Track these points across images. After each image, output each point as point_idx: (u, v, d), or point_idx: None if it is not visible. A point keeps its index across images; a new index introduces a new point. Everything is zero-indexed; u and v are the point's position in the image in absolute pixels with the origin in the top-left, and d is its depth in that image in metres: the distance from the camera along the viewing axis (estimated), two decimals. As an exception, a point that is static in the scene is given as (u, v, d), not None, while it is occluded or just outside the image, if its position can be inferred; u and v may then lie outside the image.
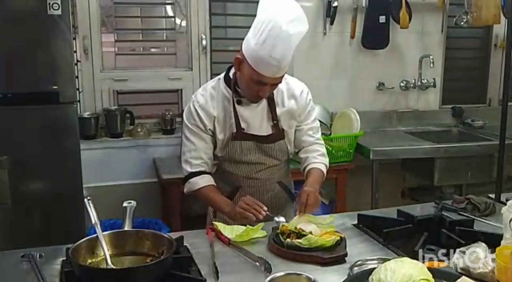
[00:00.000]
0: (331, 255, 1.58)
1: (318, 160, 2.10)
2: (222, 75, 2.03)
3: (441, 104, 4.18)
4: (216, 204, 2.01)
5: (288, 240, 1.64)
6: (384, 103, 4.01)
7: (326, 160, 2.14)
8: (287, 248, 1.62)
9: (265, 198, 2.05)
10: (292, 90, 2.04)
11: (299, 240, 1.61)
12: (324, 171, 2.11)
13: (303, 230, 1.66)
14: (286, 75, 2.05)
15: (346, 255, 1.59)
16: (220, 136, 1.99)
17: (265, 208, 1.81)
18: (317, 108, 3.49)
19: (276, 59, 1.76)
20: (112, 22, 3.53)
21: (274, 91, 1.99)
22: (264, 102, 1.99)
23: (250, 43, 1.80)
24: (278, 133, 2.02)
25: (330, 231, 1.69)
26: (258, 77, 1.81)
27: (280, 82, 1.90)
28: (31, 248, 1.61)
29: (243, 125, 1.98)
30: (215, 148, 2.03)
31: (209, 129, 1.99)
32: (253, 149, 2.01)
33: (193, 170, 2.00)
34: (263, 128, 2.00)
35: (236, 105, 1.97)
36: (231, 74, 1.99)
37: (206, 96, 2.00)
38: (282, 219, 1.81)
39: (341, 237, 1.67)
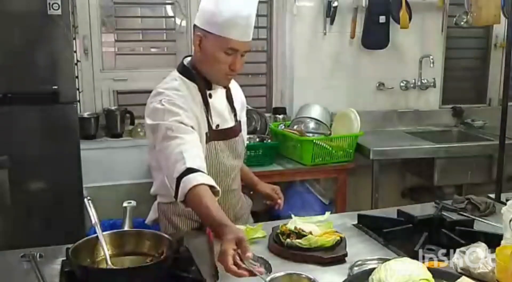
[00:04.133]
0: (331, 255, 1.58)
1: None
2: (176, 73, 1.83)
3: (441, 104, 4.17)
4: (218, 217, 1.50)
5: (288, 240, 1.64)
6: (384, 103, 4.01)
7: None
8: (287, 248, 1.62)
9: (236, 210, 1.99)
10: (235, 85, 1.99)
11: (299, 240, 1.61)
12: None
13: (303, 230, 1.66)
14: None
15: (346, 255, 1.59)
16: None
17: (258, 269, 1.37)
18: (317, 108, 3.53)
19: (243, 17, 1.67)
20: (112, 22, 3.53)
21: None
22: (223, 92, 1.89)
23: (209, 12, 1.69)
24: (239, 125, 1.96)
25: (330, 231, 1.69)
26: (228, 44, 1.68)
27: (249, 50, 1.75)
28: (31, 248, 1.61)
29: (217, 120, 1.84)
30: None
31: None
32: (225, 150, 1.87)
33: (191, 166, 1.56)
34: (229, 120, 1.91)
35: (209, 99, 1.81)
36: (185, 63, 1.82)
37: (183, 95, 1.74)
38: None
39: (341, 237, 1.67)
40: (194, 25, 1.76)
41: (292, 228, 1.69)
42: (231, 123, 1.91)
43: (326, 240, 1.62)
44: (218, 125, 1.84)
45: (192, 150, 1.61)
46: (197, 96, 1.79)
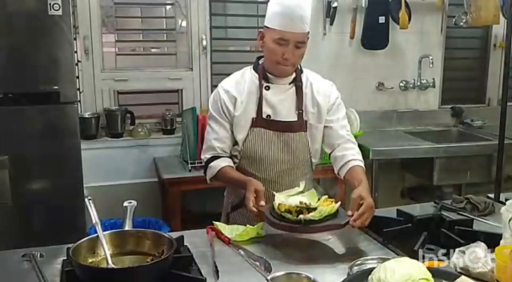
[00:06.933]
0: (344, 220, 1.64)
1: (356, 157, 2.00)
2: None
3: (441, 104, 4.18)
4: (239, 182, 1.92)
5: (301, 215, 1.65)
6: (384, 103, 4.02)
7: (361, 159, 2.03)
8: (304, 224, 1.63)
9: None
10: (320, 86, 2.03)
11: (312, 214, 1.64)
12: (364, 169, 2.00)
13: (307, 204, 1.69)
14: (314, 74, 2.06)
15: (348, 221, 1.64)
16: (241, 118, 1.96)
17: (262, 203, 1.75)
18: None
19: (288, 6, 1.82)
20: (112, 23, 3.54)
21: (304, 81, 1.99)
22: (292, 90, 1.98)
23: (268, 9, 1.89)
24: (301, 124, 1.99)
25: (324, 199, 1.74)
26: (279, 35, 1.84)
27: (303, 43, 1.88)
28: (32, 248, 1.61)
29: (269, 111, 1.96)
30: (235, 139, 2.00)
31: (232, 115, 1.97)
32: (273, 141, 1.97)
33: (213, 155, 2.00)
34: (289, 115, 1.98)
35: (264, 91, 1.96)
36: (260, 62, 2.01)
37: (231, 81, 2.02)
38: None
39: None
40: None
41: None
42: (289, 118, 1.98)
43: (331, 207, 1.67)
44: (269, 116, 1.97)
45: (217, 142, 1.99)
46: (254, 85, 1.98)
